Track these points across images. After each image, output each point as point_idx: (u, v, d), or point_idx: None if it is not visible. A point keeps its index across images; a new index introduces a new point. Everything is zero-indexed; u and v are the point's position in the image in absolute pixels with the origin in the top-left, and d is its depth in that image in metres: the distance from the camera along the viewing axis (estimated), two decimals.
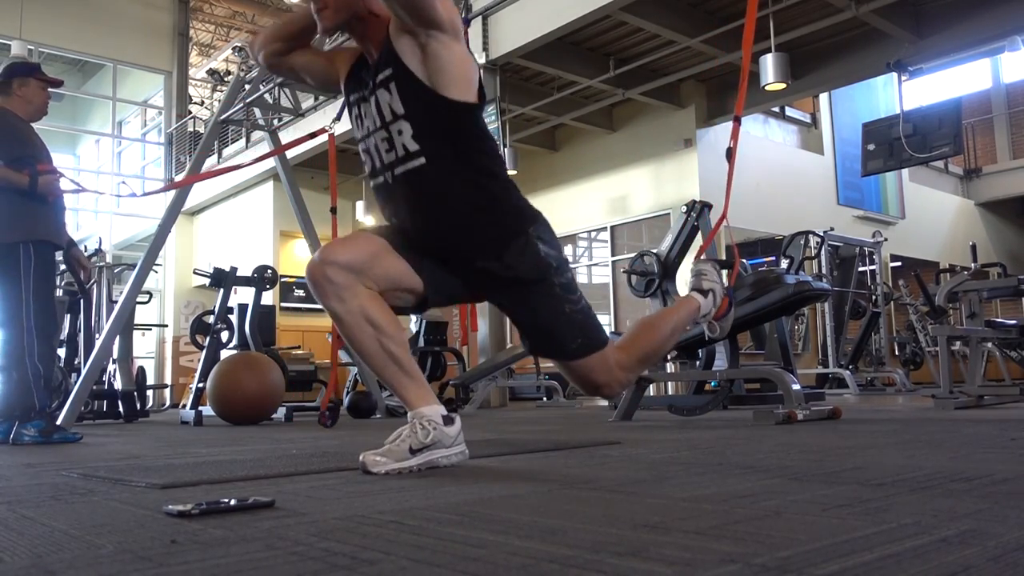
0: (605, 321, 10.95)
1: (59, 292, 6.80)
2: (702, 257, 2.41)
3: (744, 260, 9.04)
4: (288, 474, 1.73)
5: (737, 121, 2.27)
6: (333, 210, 4.26)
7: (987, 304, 7.26)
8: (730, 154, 2.26)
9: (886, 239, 9.85)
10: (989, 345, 7.47)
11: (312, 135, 4.79)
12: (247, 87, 6.45)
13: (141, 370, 7.18)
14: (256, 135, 11.32)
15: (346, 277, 1.68)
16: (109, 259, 7.98)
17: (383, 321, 1.71)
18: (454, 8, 1.74)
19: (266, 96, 6.44)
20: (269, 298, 9.33)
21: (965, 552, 0.79)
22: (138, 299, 5.83)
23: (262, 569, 0.81)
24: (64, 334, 6.82)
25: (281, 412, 5.55)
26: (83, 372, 5.05)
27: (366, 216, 12.69)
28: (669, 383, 6.36)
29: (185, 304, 13.26)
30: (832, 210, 11.87)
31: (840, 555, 0.79)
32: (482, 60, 8.28)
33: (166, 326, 12.60)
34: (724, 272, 2.33)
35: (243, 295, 6.75)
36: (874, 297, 9.00)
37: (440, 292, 1.84)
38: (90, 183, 16.39)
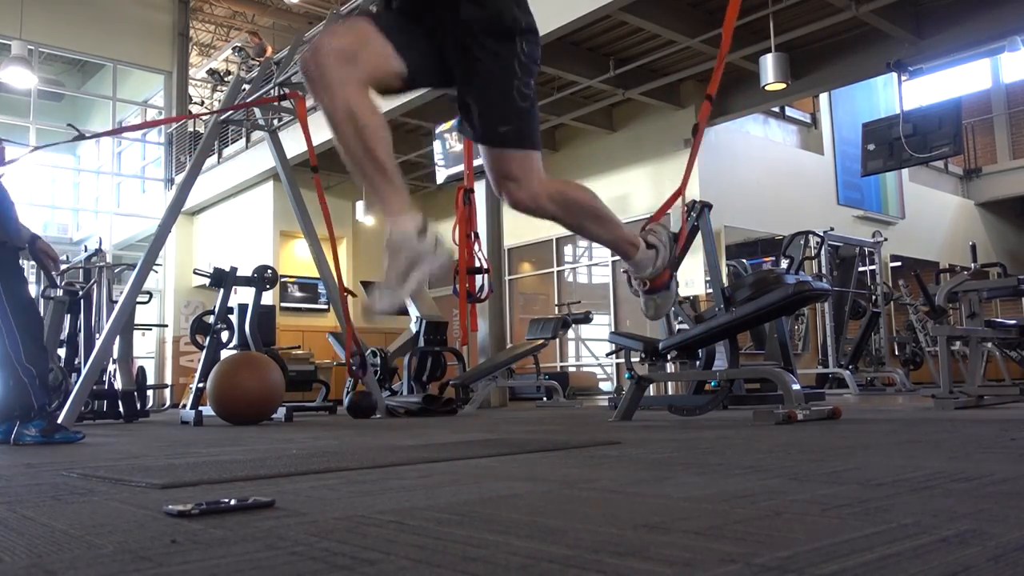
0: (605, 321, 10.95)
1: (59, 292, 6.81)
2: (656, 220, 2.30)
3: (744, 260, 9.04)
4: (288, 474, 1.73)
5: (709, 100, 2.24)
6: (315, 169, 4.32)
7: (987, 304, 7.26)
8: (696, 130, 2.24)
9: (886, 239, 9.85)
10: (989, 345, 7.47)
11: (280, 97, 4.80)
12: (247, 87, 6.45)
13: (141, 370, 7.19)
14: (256, 135, 11.31)
15: (338, 68, 1.64)
16: (109, 259, 7.98)
17: (367, 116, 1.66)
18: None
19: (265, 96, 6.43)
20: (269, 298, 9.33)
21: (965, 552, 0.79)
22: (138, 299, 5.84)
23: (262, 569, 0.81)
24: (64, 334, 6.83)
25: (281, 412, 5.55)
26: (83, 372, 5.06)
27: (366, 216, 12.69)
28: (669, 383, 6.36)
29: (185, 304, 13.26)
30: (832, 210, 11.88)
31: (840, 555, 0.79)
32: None
33: (166, 326, 12.60)
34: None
35: (243, 295, 6.75)
36: (874, 297, 9.01)
37: (422, 70, 1.81)
38: (89, 183, 16.41)
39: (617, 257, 9.28)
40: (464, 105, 1.88)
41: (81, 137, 4.76)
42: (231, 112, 6.24)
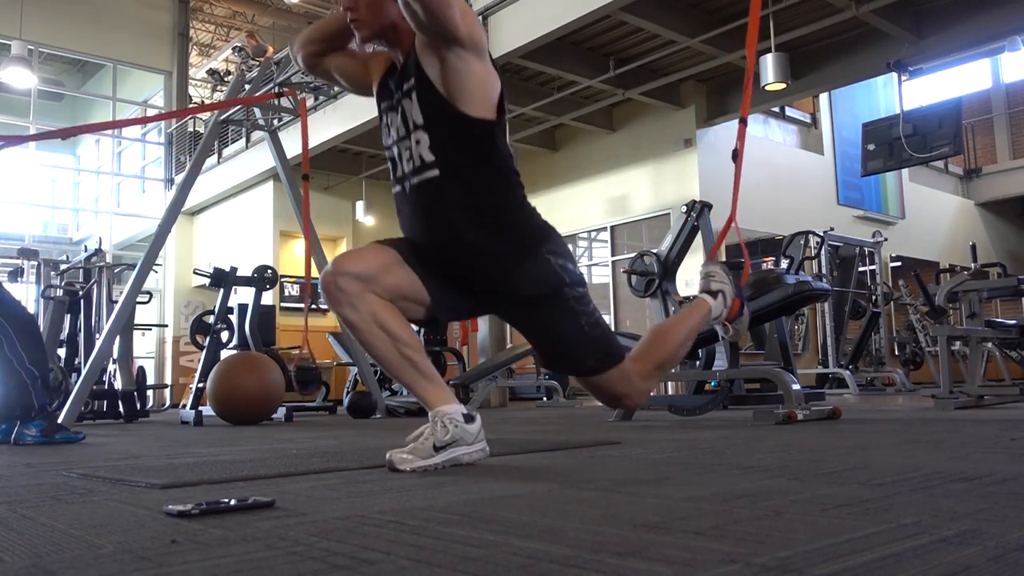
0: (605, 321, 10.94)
1: (59, 292, 6.81)
2: (710, 259, 2.42)
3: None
4: (288, 474, 1.73)
5: (743, 123, 2.28)
6: (305, 176, 4.36)
7: (987, 304, 7.26)
8: (736, 156, 2.27)
9: (886, 239, 9.85)
10: (989, 345, 7.47)
11: (279, 95, 4.81)
12: (247, 87, 6.45)
13: (141, 370, 7.18)
14: (256, 135, 11.32)
15: (357, 286, 1.72)
16: (109, 259, 7.98)
17: (395, 327, 1.74)
18: (477, 24, 1.74)
19: None
20: (269, 298, 9.33)
21: (965, 552, 0.79)
22: (138, 299, 5.83)
23: (262, 569, 0.81)
24: (64, 334, 6.83)
25: (281, 412, 5.55)
26: (83, 372, 5.06)
27: (366, 216, 12.69)
28: (669, 383, 6.36)
29: (185, 304, 13.25)
30: (832, 210, 11.87)
31: (840, 555, 0.79)
32: None
33: (166, 326, 12.59)
34: (733, 273, 2.33)
35: (243, 295, 6.75)
36: (874, 297, 9.00)
37: (448, 308, 1.86)
38: (89, 183, 16.41)
39: (617, 258, 9.22)
40: (539, 347, 1.95)
41: (67, 133, 4.75)
42: (230, 112, 6.24)
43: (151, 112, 15.00)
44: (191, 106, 14.41)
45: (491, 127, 1.79)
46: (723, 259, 9.27)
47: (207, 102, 16.18)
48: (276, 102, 6.50)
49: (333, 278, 1.73)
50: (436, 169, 1.77)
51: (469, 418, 1.75)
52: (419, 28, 1.69)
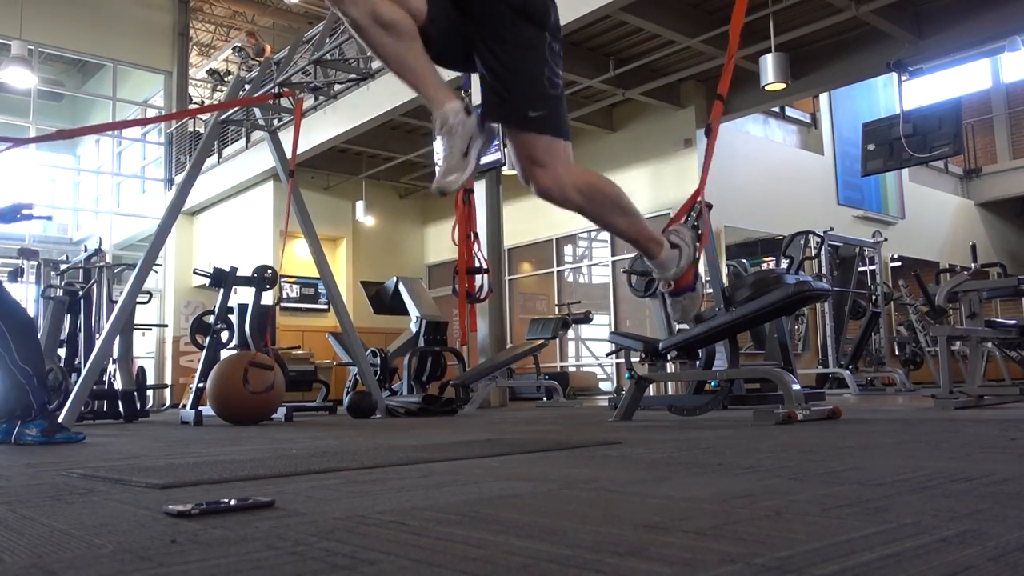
0: (604, 321, 10.95)
1: (59, 292, 6.81)
2: (683, 221, 2.31)
3: (744, 260, 9.05)
4: (288, 474, 1.73)
5: (720, 99, 2.24)
6: (291, 173, 4.40)
7: (987, 304, 7.26)
8: (709, 131, 2.25)
9: (886, 239, 9.85)
10: (989, 345, 7.47)
11: (277, 96, 4.82)
12: (247, 87, 6.45)
13: (141, 370, 7.19)
14: (256, 135, 11.32)
15: None
16: (109, 259, 7.98)
17: (395, 18, 1.72)
18: None
19: None
20: (269, 298, 9.33)
21: (965, 552, 0.79)
22: (138, 299, 5.84)
23: (262, 569, 0.81)
24: (64, 334, 6.83)
25: (281, 412, 5.55)
26: (83, 372, 5.06)
27: (366, 216, 12.69)
28: (669, 383, 6.36)
29: (185, 304, 13.25)
30: (832, 210, 11.87)
31: (840, 555, 0.79)
32: None
33: (166, 326, 12.60)
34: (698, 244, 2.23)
35: (243, 295, 6.75)
36: (874, 297, 9.00)
37: (435, 19, 1.81)
38: (89, 183, 16.41)
39: (617, 257, 9.22)
40: (491, 86, 1.88)
41: (65, 135, 4.78)
42: (230, 112, 6.24)
43: (151, 112, 15.02)
44: (191, 107, 14.42)
45: None
46: (724, 258, 9.28)
47: (207, 102, 16.20)
48: (275, 102, 6.51)
49: None
50: None
51: (467, 112, 1.78)
52: None
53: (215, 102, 15.21)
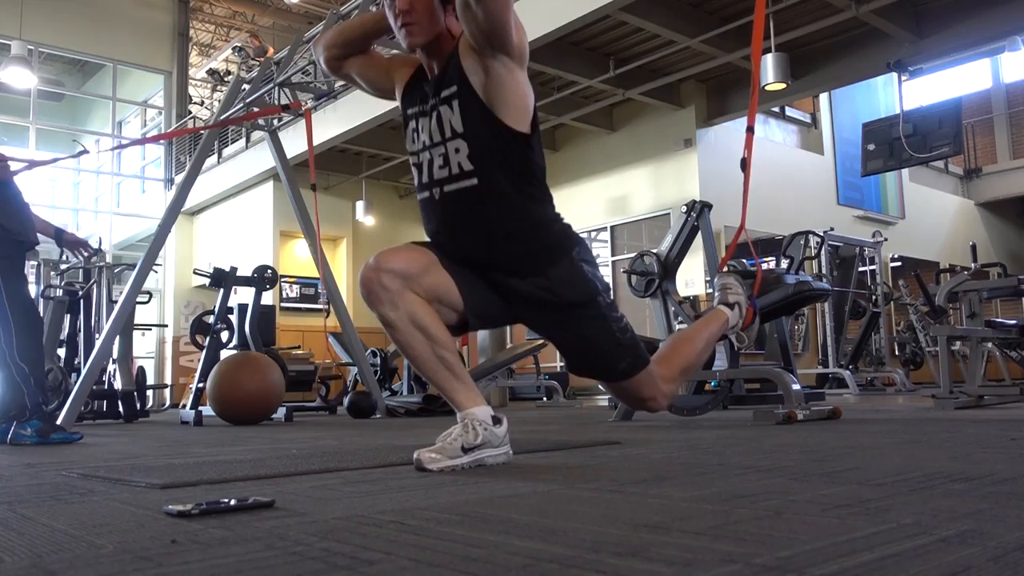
0: None
1: (59, 292, 6.81)
2: (724, 270, 2.45)
3: (744, 260, 9.04)
4: (288, 474, 1.73)
5: (750, 132, 2.31)
6: (313, 187, 4.43)
7: (987, 304, 7.26)
8: (744, 165, 2.30)
9: (886, 239, 9.84)
10: (989, 345, 7.47)
11: (285, 107, 4.84)
12: (247, 87, 6.45)
13: (141, 370, 7.19)
14: (256, 135, 11.32)
15: (398, 283, 1.73)
16: (109, 259, 7.98)
17: (433, 327, 1.75)
18: (525, 37, 1.76)
19: (265, 97, 6.44)
20: (269, 298, 9.33)
21: (965, 552, 0.79)
22: (138, 299, 5.83)
23: (262, 569, 0.81)
24: (64, 334, 6.83)
25: (281, 412, 5.55)
26: (83, 372, 5.05)
27: (366, 216, 12.68)
28: None
29: (185, 304, 13.25)
30: (832, 210, 11.87)
31: (840, 555, 0.79)
32: None
33: (166, 326, 12.59)
34: (747, 282, 2.38)
35: (243, 295, 6.75)
36: (874, 297, 9.00)
37: (480, 314, 1.87)
38: (89, 183, 16.41)
39: (617, 258, 9.22)
40: (568, 352, 1.97)
41: (84, 152, 4.82)
42: (230, 112, 6.24)
43: (151, 112, 15.03)
44: (191, 107, 14.42)
45: (528, 140, 1.80)
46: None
47: (207, 102, 16.20)
48: (283, 112, 6.51)
49: (376, 275, 1.74)
50: (475, 178, 1.78)
51: (496, 420, 1.78)
52: (474, 33, 1.68)
53: (215, 102, 15.21)
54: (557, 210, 1.91)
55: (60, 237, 3.95)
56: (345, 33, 1.98)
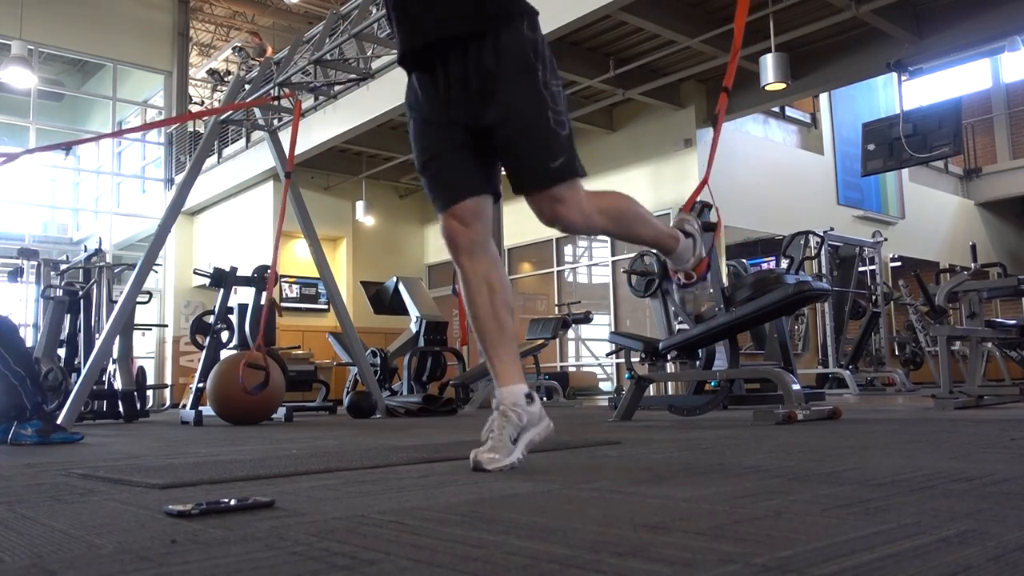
0: (605, 321, 10.95)
1: (59, 292, 6.81)
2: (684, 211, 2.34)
3: (744, 260, 9.04)
4: (288, 474, 1.73)
5: (725, 91, 2.24)
6: (288, 175, 4.41)
7: (987, 304, 7.25)
8: (715, 121, 2.26)
9: (886, 239, 9.85)
10: (989, 345, 7.47)
11: (276, 98, 4.84)
12: (247, 87, 6.45)
13: (141, 370, 7.19)
14: (256, 135, 11.32)
15: (478, 233, 1.83)
16: (109, 259, 7.98)
17: (500, 286, 1.84)
18: None
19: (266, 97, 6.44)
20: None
21: (965, 552, 0.79)
22: (138, 299, 5.83)
23: (262, 569, 0.81)
24: (64, 334, 6.83)
25: (281, 412, 5.55)
26: (83, 372, 5.06)
27: (366, 216, 12.68)
28: (669, 383, 6.36)
29: (185, 304, 13.25)
30: (832, 210, 11.87)
31: (840, 555, 0.79)
32: None
33: (166, 326, 12.59)
34: (707, 235, 2.28)
35: (243, 295, 6.75)
36: (874, 297, 9.00)
37: (489, 180, 1.88)
38: (89, 183, 16.41)
39: (617, 258, 9.19)
40: (510, 162, 1.85)
41: (72, 144, 4.79)
42: (230, 112, 6.24)
43: (151, 112, 15.02)
44: (191, 107, 14.42)
45: None
46: (723, 257, 9.27)
47: (207, 102, 16.20)
48: (276, 103, 6.50)
49: (457, 235, 1.82)
50: None
51: (530, 399, 1.79)
52: None
53: (215, 102, 15.23)
54: None
55: None
56: None
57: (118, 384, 6.61)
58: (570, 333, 10.47)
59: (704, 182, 2.22)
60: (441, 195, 1.87)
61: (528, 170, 1.82)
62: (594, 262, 11.75)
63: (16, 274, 7.59)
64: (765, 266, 11.23)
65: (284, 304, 11.82)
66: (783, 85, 8.15)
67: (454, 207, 1.84)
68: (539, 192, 1.82)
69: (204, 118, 13.57)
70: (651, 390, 4.48)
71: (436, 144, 1.88)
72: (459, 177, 1.86)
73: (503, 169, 1.91)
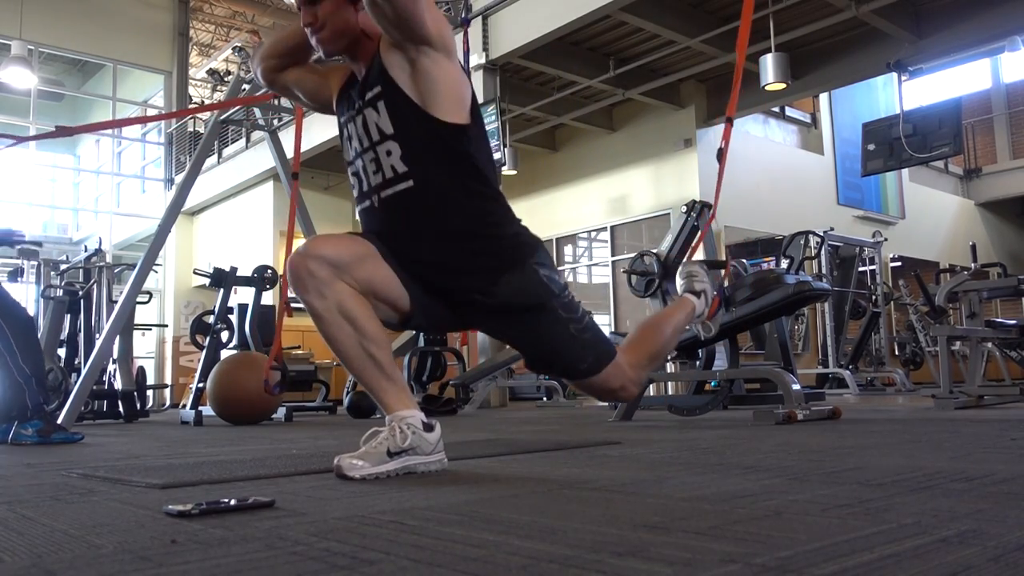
0: (605, 321, 10.95)
1: (59, 292, 6.81)
2: (692, 259, 2.44)
3: (744, 260, 9.05)
4: (288, 474, 1.73)
5: (729, 123, 2.27)
6: (295, 175, 4.37)
7: (987, 304, 7.26)
8: (720, 155, 2.27)
9: (886, 239, 9.84)
10: (989, 345, 7.47)
11: (277, 96, 4.84)
12: (247, 87, 6.45)
13: (141, 370, 7.19)
14: (256, 135, 11.32)
15: (327, 272, 1.60)
16: (109, 259, 7.98)
17: (362, 320, 1.63)
18: (446, 25, 1.68)
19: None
20: (269, 298, 9.33)
21: (965, 552, 0.79)
22: (138, 299, 5.83)
23: (262, 569, 0.81)
24: (64, 334, 6.83)
25: (281, 412, 5.55)
26: (83, 372, 5.05)
27: None
28: (669, 383, 6.36)
29: (185, 304, 13.25)
30: (832, 210, 11.87)
31: (840, 555, 0.79)
32: (482, 60, 8.27)
33: (166, 326, 12.60)
34: (714, 272, 2.41)
35: (243, 295, 6.75)
36: (874, 297, 9.00)
37: (426, 314, 1.76)
38: (89, 182, 16.41)
39: (617, 258, 9.20)
40: (525, 351, 1.88)
41: (64, 132, 4.77)
42: (231, 112, 6.24)
43: (151, 112, 15.02)
44: (191, 106, 14.42)
45: (465, 131, 1.70)
46: (721, 257, 9.27)
47: (207, 102, 16.19)
48: (276, 102, 6.50)
49: (304, 260, 1.61)
50: (410, 180, 1.68)
51: (428, 427, 1.67)
52: (388, 30, 1.62)
53: (215, 102, 15.22)
54: (516, 216, 1.82)
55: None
56: (282, 42, 1.89)
57: (118, 384, 6.61)
58: None
59: (711, 218, 2.38)
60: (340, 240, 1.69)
61: (559, 373, 1.92)
62: (594, 262, 11.75)
63: (16, 274, 7.58)
64: (765, 266, 11.23)
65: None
66: (783, 85, 8.16)
67: (329, 255, 1.63)
68: (573, 382, 1.91)
69: (204, 117, 13.59)
70: (651, 390, 4.48)
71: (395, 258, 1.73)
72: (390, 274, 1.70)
73: (521, 352, 1.92)
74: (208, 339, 6.40)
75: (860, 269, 9.05)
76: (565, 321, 1.79)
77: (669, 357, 4.17)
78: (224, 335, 6.49)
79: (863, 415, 3.77)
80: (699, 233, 2.47)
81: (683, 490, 1.31)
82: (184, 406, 6.35)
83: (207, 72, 16.25)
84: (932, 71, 9.37)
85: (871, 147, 8.68)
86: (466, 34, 5.99)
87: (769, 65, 7.92)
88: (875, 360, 9.01)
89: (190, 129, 13.83)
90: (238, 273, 6.63)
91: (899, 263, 12.77)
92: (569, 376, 1.87)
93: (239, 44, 14.76)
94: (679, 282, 2.31)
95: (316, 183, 12.23)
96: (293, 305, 12.57)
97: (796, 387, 3.52)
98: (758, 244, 11.31)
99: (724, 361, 4.18)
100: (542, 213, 11.40)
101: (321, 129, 10.20)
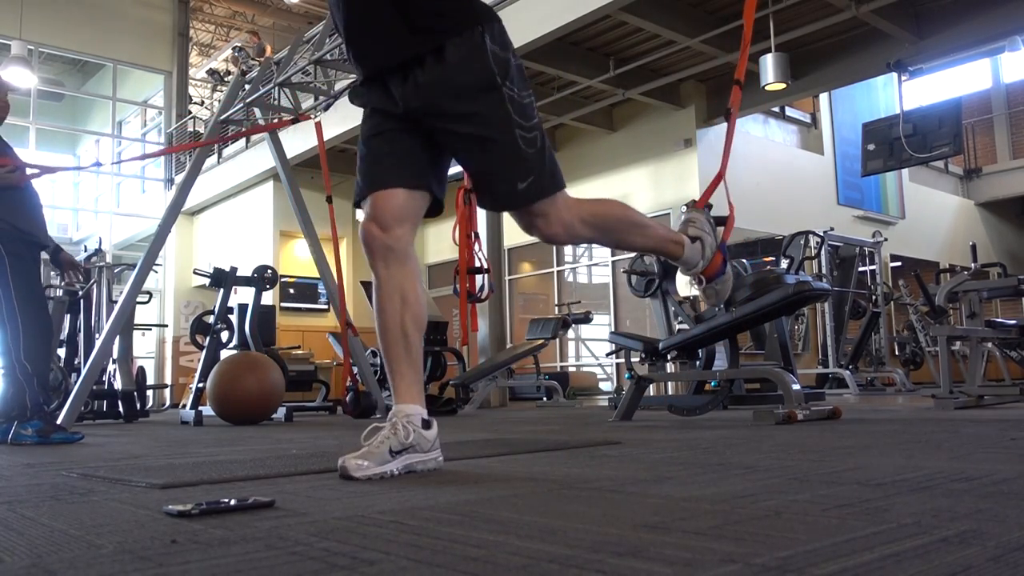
0: (605, 321, 10.95)
1: (59, 292, 6.81)
2: (696, 207, 2.17)
3: (744, 260, 9.04)
4: (288, 474, 1.73)
5: (737, 84, 2.16)
6: (329, 199, 4.36)
7: (987, 304, 7.26)
8: (728, 115, 2.15)
9: (886, 239, 9.85)
10: (989, 345, 7.47)
11: (295, 120, 4.83)
12: (247, 87, 6.45)
13: (141, 370, 7.19)
14: (256, 135, 11.31)
15: (398, 240, 1.72)
16: (109, 259, 7.98)
17: (413, 300, 1.73)
18: None
19: (266, 98, 6.44)
20: (269, 298, 9.33)
21: (965, 552, 0.79)
22: (138, 299, 5.83)
23: (262, 569, 0.81)
24: (64, 334, 6.83)
25: (281, 412, 5.55)
26: (83, 372, 5.05)
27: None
28: (669, 383, 6.36)
29: (185, 304, 13.26)
30: (832, 210, 11.88)
31: (840, 555, 0.79)
32: None
33: (166, 326, 12.60)
34: (719, 229, 2.12)
35: (243, 295, 6.75)
36: (874, 297, 9.00)
37: (432, 179, 1.76)
38: (89, 182, 16.41)
39: (617, 258, 9.19)
40: (476, 180, 1.77)
41: (98, 164, 4.81)
42: (230, 111, 6.24)
43: (151, 112, 15.03)
44: (191, 107, 14.42)
45: None
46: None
47: (207, 102, 16.20)
48: (276, 102, 6.50)
49: (377, 231, 1.72)
50: None
51: (427, 424, 1.68)
52: None
53: (215, 102, 15.21)
54: None
55: (57, 256, 3.94)
56: None
57: (118, 384, 6.61)
58: (570, 333, 10.48)
59: (719, 177, 2.06)
60: (367, 177, 1.74)
61: (494, 192, 1.75)
62: (594, 262, 11.75)
63: None
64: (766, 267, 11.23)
65: (283, 304, 11.82)
66: (783, 85, 8.16)
67: (377, 198, 1.71)
68: (513, 213, 1.78)
69: (204, 116, 13.58)
70: (651, 390, 4.47)
71: (383, 123, 1.75)
72: (394, 162, 1.72)
73: (472, 183, 1.80)
74: (208, 339, 6.41)
75: (860, 269, 9.06)
76: (512, 122, 1.67)
77: (666, 353, 4.16)
78: (224, 335, 6.49)
79: (863, 415, 3.77)
80: (707, 188, 2.18)
81: (683, 490, 1.31)
82: (184, 406, 6.36)
83: (207, 72, 16.26)
84: (932, 71, 9.38)
85: (871, 147, 8.69)
86: None
87: (769, 65, 7.93)
88: (875, 360, 9.02)
89: (190, 129, 13.83)
90: (238, 273, 6.63)
91: (899, 263, 12.78)
92: (506, 200, 1.74)
93: (240, 44, 14.79)
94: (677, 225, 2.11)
95: (316, 183, 12.21)
96: (293, 305, 12.53)
97: (796, 387, 3.52)
98: (758, 244, 11.31)
99: (724, 361, 4.18)
100: None
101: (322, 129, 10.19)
